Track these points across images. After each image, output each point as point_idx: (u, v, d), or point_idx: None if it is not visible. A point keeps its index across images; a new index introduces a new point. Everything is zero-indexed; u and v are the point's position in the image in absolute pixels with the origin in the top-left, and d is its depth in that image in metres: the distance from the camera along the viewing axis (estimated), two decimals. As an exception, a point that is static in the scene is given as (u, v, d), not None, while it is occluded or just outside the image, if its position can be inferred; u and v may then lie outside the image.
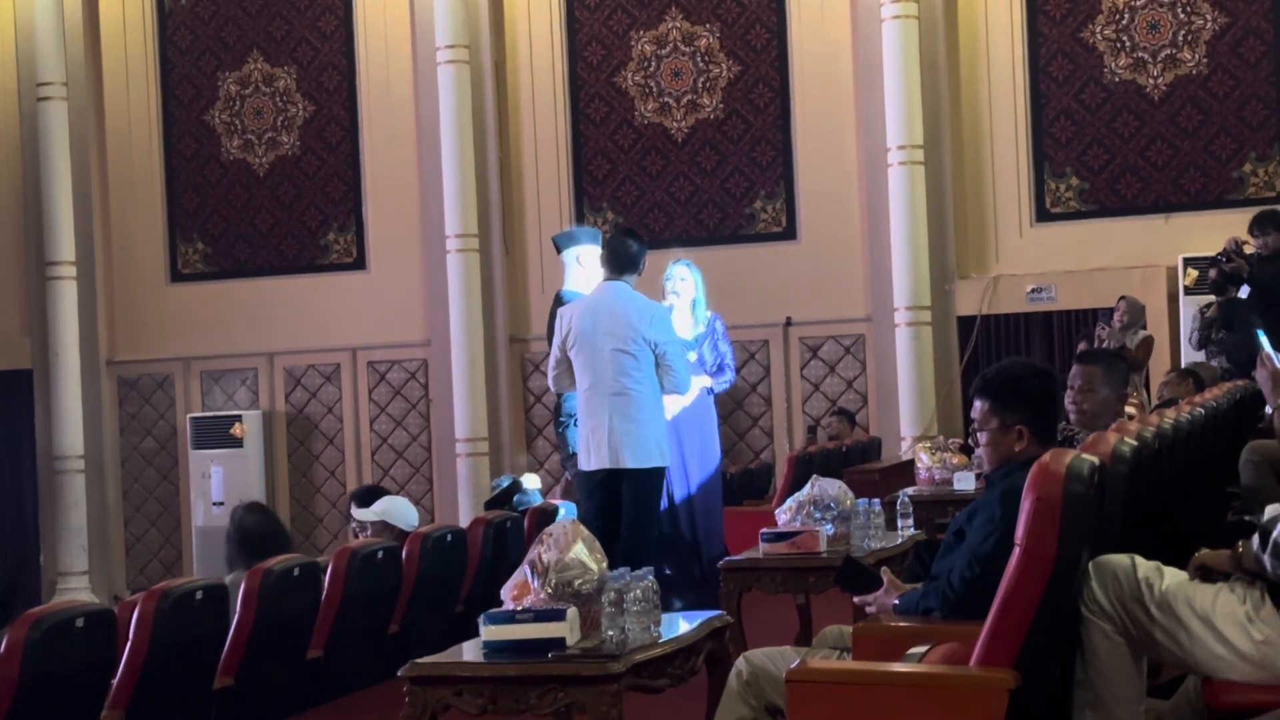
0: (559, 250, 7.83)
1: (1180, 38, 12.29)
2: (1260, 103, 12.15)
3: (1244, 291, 10.18)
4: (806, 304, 13.01)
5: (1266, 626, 3.36)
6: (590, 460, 6.87)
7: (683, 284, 8.05)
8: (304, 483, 14.33)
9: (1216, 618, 3.40)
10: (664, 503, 7.79)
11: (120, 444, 14.81)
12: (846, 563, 4.72)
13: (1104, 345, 10.46)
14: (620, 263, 6.94)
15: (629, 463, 6.79)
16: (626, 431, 6.77)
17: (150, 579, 13.26)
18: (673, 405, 7.84)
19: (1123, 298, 10.94)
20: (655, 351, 6.80)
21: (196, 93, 14.66)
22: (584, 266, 7.60)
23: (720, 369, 8.13)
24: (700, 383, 8.00)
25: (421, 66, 13.69)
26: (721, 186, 13.33)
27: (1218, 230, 11.46)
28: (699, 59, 13.39)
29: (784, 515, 6.05)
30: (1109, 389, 5.46)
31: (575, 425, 7.31)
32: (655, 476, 6.88)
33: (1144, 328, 10.87)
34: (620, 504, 6.83)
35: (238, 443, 14.17)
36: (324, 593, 5.70)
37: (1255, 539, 3.33)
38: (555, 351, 7.03)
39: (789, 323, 13.07)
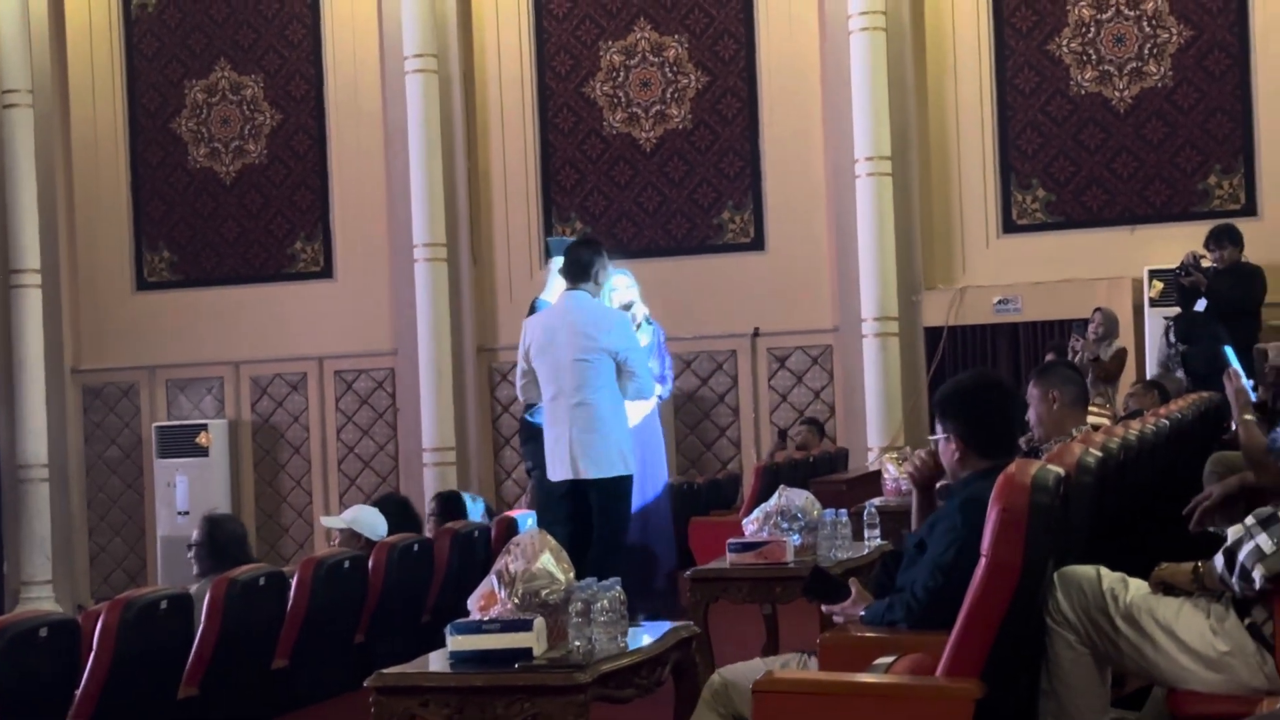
0: (549, 255, 7.83)
1: (1146, 51, 12.36)
2: (1225, 116, 12.23)
3: (1200, 305, 10.26)
4: (774, 314, 13.03)
5: (1230, 639, 3.38)
6: (555, 470, 6.88)
7: (630, 292, 8.02)
8: (270, 492, 14.27)
9: (1180, 629, 3.42)
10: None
11: (85, 453, 14.72)
12: (814, 572, 4.73)
13: (1078, 356, 10.52)
14: (577, 272, 6.95)
15: (589, 473, 6.80)
16: (587, 442, 6.79)
17: (114, 588, 13.19)
18: (633, 415, 7.84)
19: (1098, 309, 11.00)
20: (616, 359, 6.80)
21: (163, 100, 14.60)
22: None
23: (662, 379, 8.14)
24: (656, 393, 8.02)
25: (389, 76, 13.67)
26: (689, 197, 13.34)
27: (1183, 242, 11.54)
28: (667, 69, 13.41)
29: (751, 525, 6.06)
30: (1062, 401, 5.49)
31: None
32: (620, 485, 6.86)
33: (1118, 340, 10.93)
34: (587, 514, 6.82)
35: (203, 452, 14.10)
36: (290, 602, 5.68)
37: (1219, 560, 3.35)
38: (520, 363, 7.05)
39: (757, 333, 13.08)
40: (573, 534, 6.63)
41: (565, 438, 6.79)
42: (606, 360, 6.79)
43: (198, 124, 14.50)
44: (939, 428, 4.29)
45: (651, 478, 7.95)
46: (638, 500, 7.79)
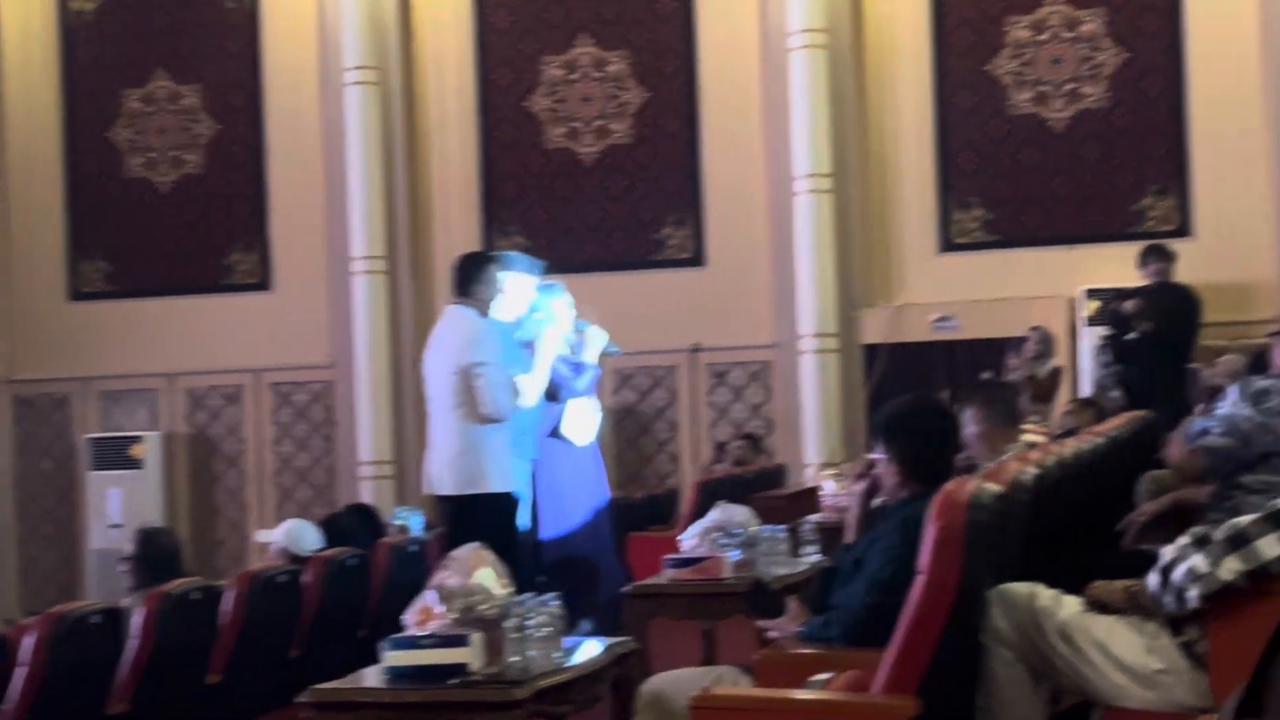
0: None
1: (1083, 72, 12.49)
2: (1160, 137, 12.36)
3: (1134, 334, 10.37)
4: (714, 330, 13.05)
5: (1163, 657, 3.40)
6: (424, 483, 6.93)
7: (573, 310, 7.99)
8: (204, 505, 14.15)
9: (1115, 647, 3.45)
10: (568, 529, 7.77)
11: (16, 464, 14.55)
12: (754, 586, 4.74)
13: (1014, 375, 10.60)
14: (459, 285, 6.96)
15: (445, 489, 6.80)
16: (437, 460, 6.81)
17: (45, 602, 13.02)
18: (586, 432, 7.80)
19: (1034, 328, 11.08)
20: (469, 374, 6.76)
21: (99, 109, 14.46)
22: (507, 293, 7.54)
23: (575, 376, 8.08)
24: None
25: (329, 87, 13.61)
26: (630, 212, 13.35)
27: (1119, 262, 11.66)
28: (609, 84, 13.42)
29: (689, 541, 6.06)
30: (994, 421, 5.54)
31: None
32: (469, 505, 6.77)
33: (1054, 358, 11.02)
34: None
35: (137, 464, 13.97)
36: (224, 617, 5.62)
37: (1153, 578, 3.37)
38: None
39: (696, 349, 13.10)
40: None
41: (435, 452, 6.86)
42: (464, 377, 6.76)
43: (134, 133, 14.38)
44: (880, 452, 4.31)
45: (595, 493, 7.93)
46: (578, 517, 7.77)
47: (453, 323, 6.94)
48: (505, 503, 6.85)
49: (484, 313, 6.94)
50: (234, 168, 14.19)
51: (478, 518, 6.75)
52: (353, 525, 7.46)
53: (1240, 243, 12.04)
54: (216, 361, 14.04)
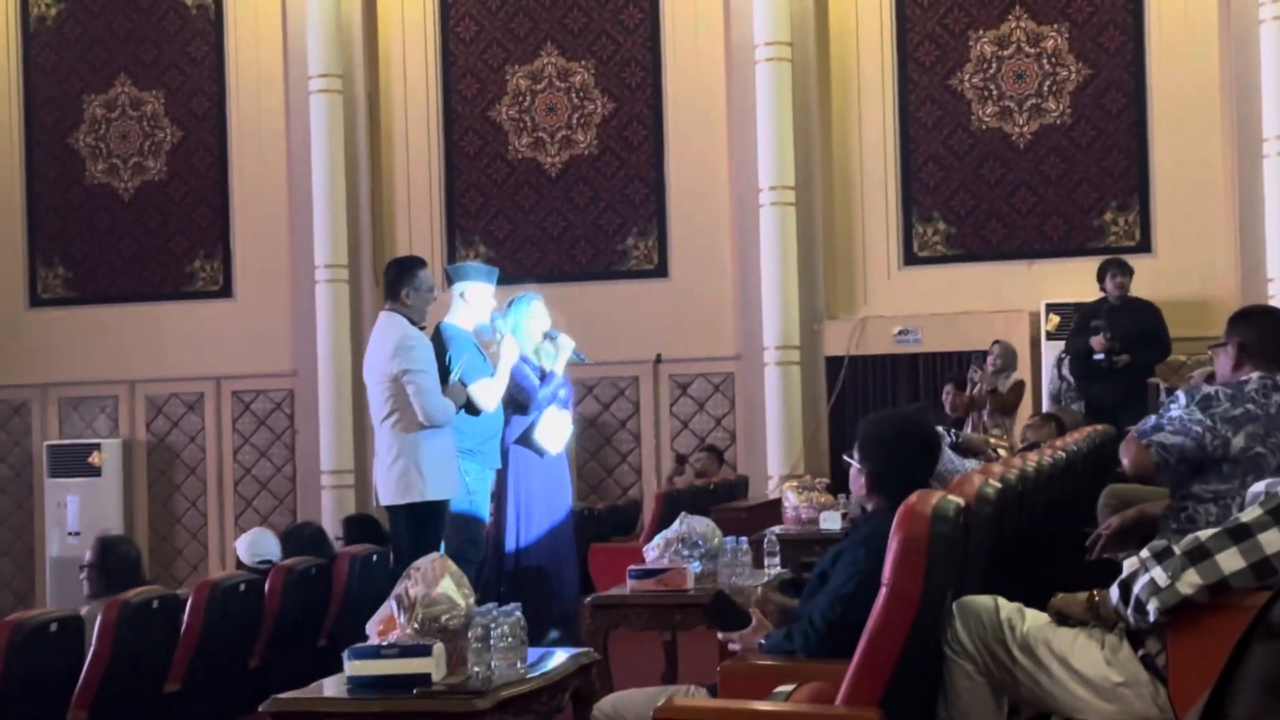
0: (450, 282, 7.75)
1: (1045, 88, 12.56)
2: (1121, 153, 12.44)
3: (1099, 355, 10.48)
4: (677, 341, 13.06)
5: (1124, 669, 3.42)
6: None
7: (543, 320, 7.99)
8: (164, 513, 14.07)
9: (1075, 660, 3.47)
10: (518, 540, 7.75)
11: (-27, 471, 14.45)
12: (717, 597, 4.74)
13: (976, 388, 10.65)
14: (387, 290, 6.96)
15: (383, 498, 6.80)
16: (377, 469, 6.81)
17: (2, 610, 12.92)
18: (558, 441, 7.79)
19: (997, 341, 11.15)
20: (401, 382, 6.73)
21: (61, 115, 14.38)
22: (468, 302, 7.52)
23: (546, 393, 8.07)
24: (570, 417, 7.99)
25: (294, 95, 13.57)
26: (594, 223, 13.35)
27: (1079, 277, 11.73)
28: (574, 95, 13.42)
29: (652, 552, 6.07)
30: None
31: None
32: (406, 513, 6.74)
33: (1016, 372, 11.08)
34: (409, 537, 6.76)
35: (96, 471, 13.87)
36: (183, 626, 5.59)
37: (1114, 592, 3.39)
38: None
39: (659, 360, 13.11)
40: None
41: (376, 461, 6.87)
42: (395, 385, 6.73)
43: (96, 139, 14.31)
44: (856, 464, 4.31)
45: (562, 503, 7.92)
46: (543, 526, 7.76)
47: (381, 330, 6.93)
48: (436, 511, 6.80)
49: (413, 318, 6.89)
50: (196, 174, 14.12)
51: (414, 526, 6.72)
52: (315, 537, 7.44)
53: (1199, 259, 12.13)
54: (177, 369, 13.97)
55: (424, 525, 6.72)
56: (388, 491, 6.77)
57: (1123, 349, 10.45)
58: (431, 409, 6.73)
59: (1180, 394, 4.92)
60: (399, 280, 6.93)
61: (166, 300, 14.11)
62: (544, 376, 7.72)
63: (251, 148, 13.92)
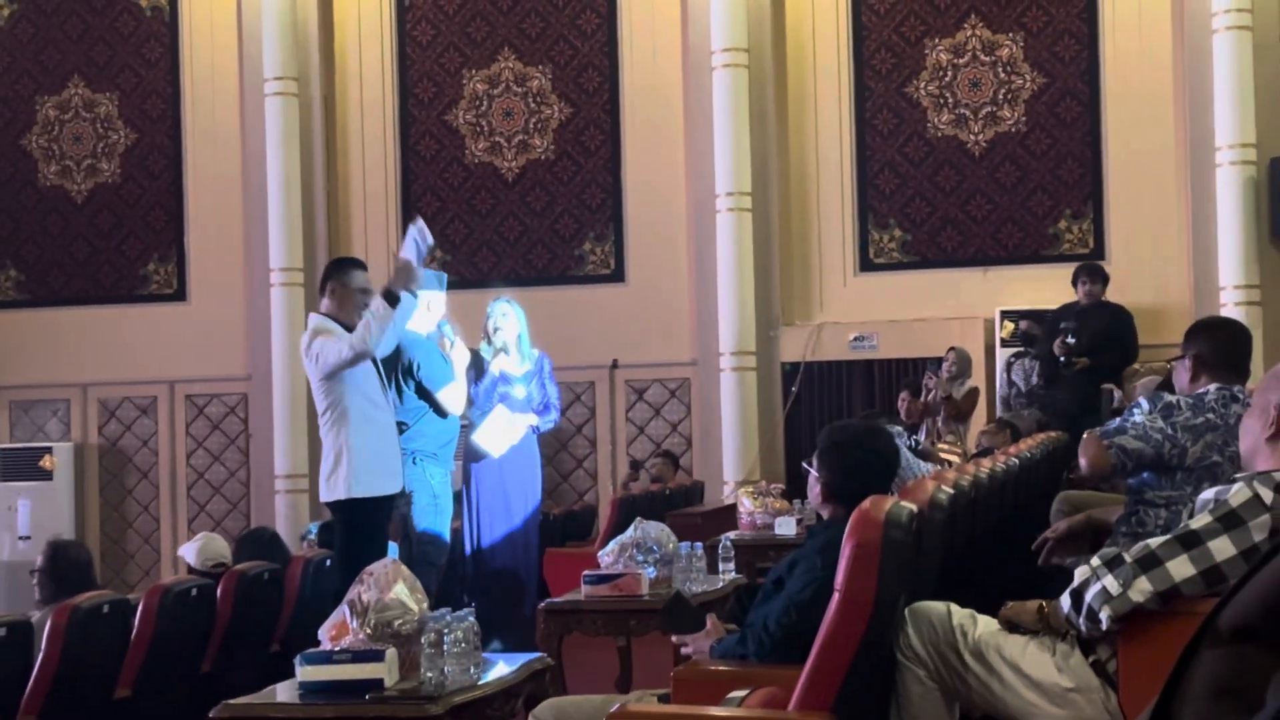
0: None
1: (1000, 96, 12.62)
2: (1075, 162, 12.52)
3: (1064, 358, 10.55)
4: (633, 347, 13.06)
5: (1075, 675, 3.44)
6: None
7: (504, 320, 8.07)
8: (116, 517, 13.97)
9: (1027, 666, 3.48)
10: (484, 540, 7.75)
11: (-77, 475, 14.31)
12: (674, 599, 4.73)
13: (931, 394, 10.69)
14: (320, 291, 6.90)
15: (321, 495, 6.73)
16: (323, 466, 6.72)
17: (-49, 615, 12.79)
18: (499, 443, 7.82)
19: (952, 348, 11.20)
20: (307, 356, 6.62)
21: (13, 116, 14.27)
22: (430, 310, 7.54)
23: (545, 408, 8.13)
24: (526, 421, 8.00)
25: (249, 98, 13.50)
26: (551, 227, 13.34)
27: (1034, 284, 11.81)
28: (531, 100, 13.41)
29: (607, 557, 6.06)
30: None
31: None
32: (341, 510, 6.63)
33: (971, 379, 11.14)
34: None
35: (47, 475, 13.76)
36: (134, 631, 5.55)
37: (1065, 600, 3.41)
38: None
39: (615, 365, 13.10)
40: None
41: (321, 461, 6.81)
42: (316, 382, 6.65)
43: (49, 141, 14.20)
44: (815, 463, 4.32)
45: (525, 507, 7.92)
46: (510, 525, 7.76)
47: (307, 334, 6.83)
48: (368, 508, 6.73)
49: (340, 319, 6.63)
50: (150, 177, 14.04)
51: (346, 524, 6.65)
52: (265, 541, 7.40)
53: (1152, 267, 12.22)
54: (130, 372, 13.87)
55: (356, 524, 6.63)
56: (323, 489, 6.72)
57: (1086, 352, 10.51)
58: (335, 352, 6.52)
59: (1143, 400, 4.97)
60: (326, 276, 6.83)
61: (120, 303, 14.01)
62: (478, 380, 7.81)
63: (206, 151, 13.85)
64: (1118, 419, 4.97)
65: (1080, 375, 10.53)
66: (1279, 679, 0.98)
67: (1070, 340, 10.47)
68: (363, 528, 6.56)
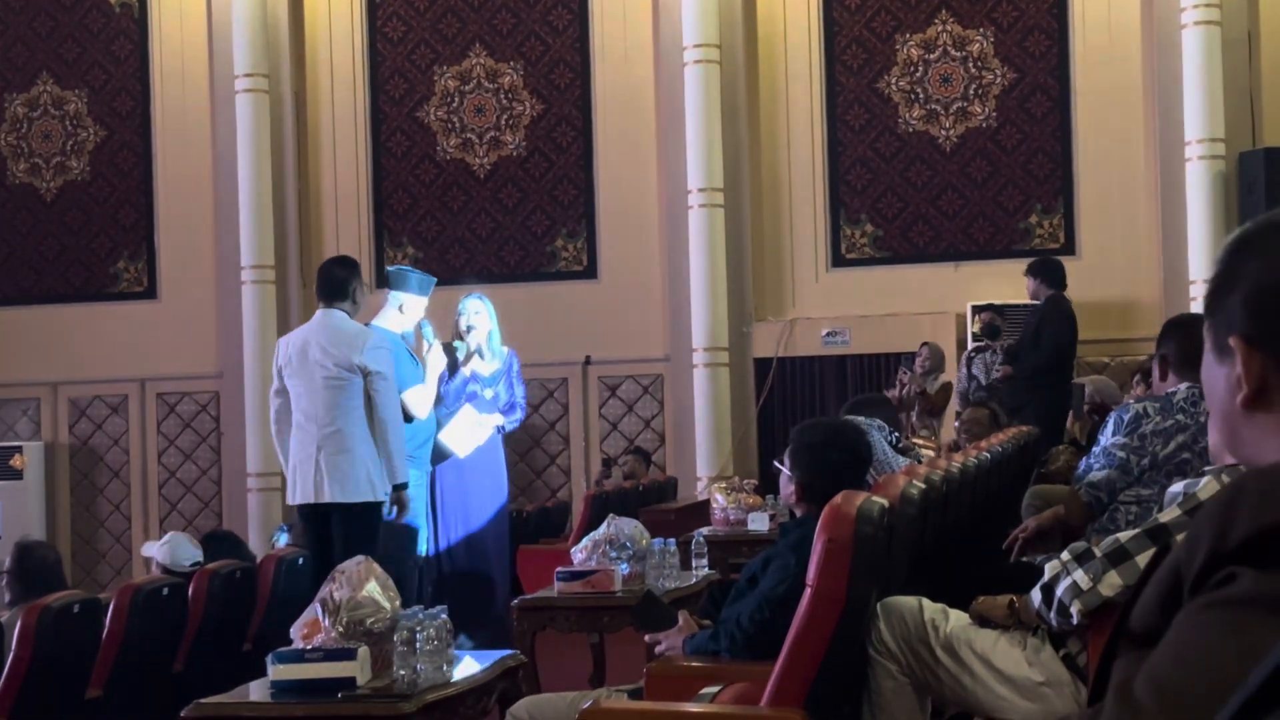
0: (390, 285, 7.70)
1: (971, 91, 12.65)
2: (1046, 157, 12.56)
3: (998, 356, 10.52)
4: (606, 343, 13.05)
5: (1045, 669, 3.45)
6: (294, 493, 6.81)
7: (477, 317, 8.05)
8: (87, 516, 13.91)
9: (998, 660, 3.49)
10: (448, 541, 7.75)
11: (-108, 474, 14.22)
12: (646, 597, 4.74)
13: (905, 389, 10.71)
14: (333, 290, 6.89)
15: (334, 496, 6.70)
16: (334, 464, 6.68)
17: (-80, 615, 12.72)
18: (465, 443, 7.81)
19: (925, 344, 11.20)
20: (365, 380, 6.70)
21: (-18, 113, 14.20)
22: (404, 314, 7.54)
23: (511, 407, 8.12)
24: (492, 420, 7.99)
25: (219, 94, 13.45)
26: (523, 224, 13.33)
27: (1005, 279, 11.84)
28: (502, 96, 13.39)
29: (580, 554, 6.06)
30: None
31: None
32: (366, 511, 6.71)
33: (944, 373, 11.15)
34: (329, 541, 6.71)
35: (17, 475, 13.69)
36: (105, 630, 5.53)
37: (1036, 595, 3.42)
38: (275, 381, 6.93)
39: (588, 361, 13.10)
40: (314, 563, 6.60)
41: (313, 459, 6.71)
42: (358, 382, 6.70)
43: (18, 138, 14.13)
44: (787, 462, 4.33)
45: (490, 506, 7.91)
46: (479, 525, 7.76)
47: (333, 326, 6.83)
48: (379, 510, 6.77)
49: (353, 315, 6.90)
50: (120, 174, 13.98)
51: (366, 525, 6.71)
52: (229, 545, 7.39)
53: (1123, 262, 12.27)
54: (101, 370, 13.81)
55: (374, 525, 6.72)
56: (349, 488, 6.69)
57: (1010, 359, 10.43)
58: (389, 410, 6.72)
59: (1110, 420, 5.01)
60: (349, 279, 6.88)
61: (90, 301, 13.95)
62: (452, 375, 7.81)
63: (176, 147, 13.79)
64: (1082, 463, 5.05)
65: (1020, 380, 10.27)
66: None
67: (1001, 347, 10.41)
68: (377, 529, 6.63)
